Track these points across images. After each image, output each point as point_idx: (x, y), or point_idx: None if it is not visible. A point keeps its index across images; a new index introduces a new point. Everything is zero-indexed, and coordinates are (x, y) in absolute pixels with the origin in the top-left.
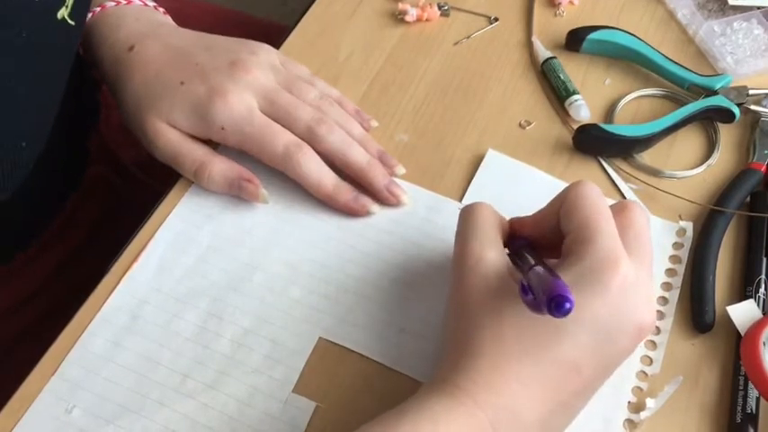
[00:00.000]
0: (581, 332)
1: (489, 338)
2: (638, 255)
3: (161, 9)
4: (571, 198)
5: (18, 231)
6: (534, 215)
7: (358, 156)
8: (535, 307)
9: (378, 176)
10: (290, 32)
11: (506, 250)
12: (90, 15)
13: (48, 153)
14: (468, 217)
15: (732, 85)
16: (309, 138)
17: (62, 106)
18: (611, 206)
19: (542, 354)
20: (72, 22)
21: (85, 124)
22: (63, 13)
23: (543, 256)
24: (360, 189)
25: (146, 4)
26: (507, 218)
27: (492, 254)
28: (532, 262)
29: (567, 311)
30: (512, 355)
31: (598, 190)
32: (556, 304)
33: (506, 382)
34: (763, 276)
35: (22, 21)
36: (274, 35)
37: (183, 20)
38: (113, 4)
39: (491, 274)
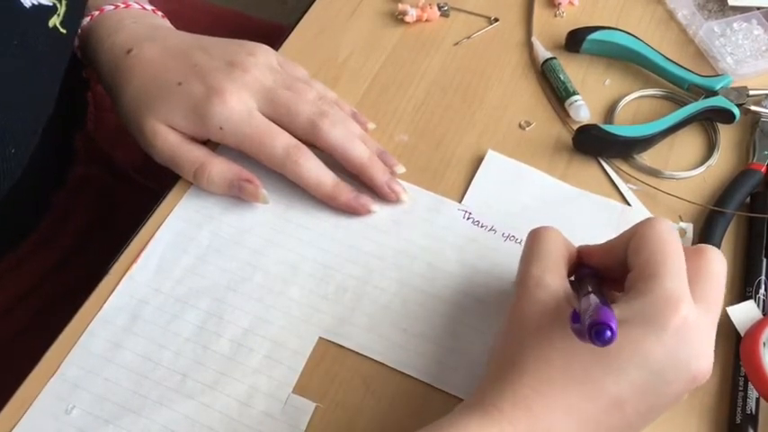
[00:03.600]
0: (632, 368)
1: (535, 361)
2: (704, 301)
3: (159, 12)
4: (641, 233)
5: (4, 231)
6: (602, 245)
7: (360, 150)
8: (579, 334)
9: (379, 172)
10: (289, 33)
11: (570, 278)
12: (88, 19)
13: (33, 154)
14: (534, 240)
15: (732, 85)
16: (311, 131)
17: (52, 110)
18: (688, 248)
19: (588, 385)
20: (63, 31)
21: (72, 123)
22: (55, 21)
23: (610, 288)
24: (359, 188)
25: (144, 8)
26: (576, 245)
27: (552, 279)
28: (589, 289)
29: (608, 340)
30: (556, 381)
31: (671, 227)
32: (596, 332)
33: (547, 408)
34: (763, 277)
35: (12, 29)
36: (273, 35)
37: (181, 20)
38: (112, 7)
39: (548, 298)
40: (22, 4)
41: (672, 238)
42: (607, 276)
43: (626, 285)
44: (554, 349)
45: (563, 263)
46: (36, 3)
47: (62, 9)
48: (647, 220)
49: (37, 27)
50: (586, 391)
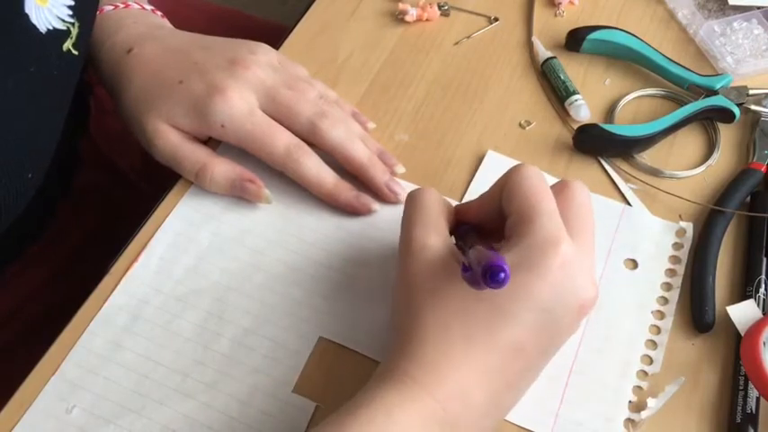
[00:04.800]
0: (525, 312)
1: (435, 324)
2: (578, 232)
3: (159, 12)
4: (512, 180)
5: (11, 240)
6: (477, 200)
7: (360, 151)
8: (473, 282)
9: (378, 173)
10: (289, 32)
11: (453, 237)
12: None
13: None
14: (413, 203)
15: (732, 84)
16: (312, 131)
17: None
18: (553, 186)
19: (488, 336)
20: (76, 53)
21: (77, 129)
22: (68, 45)
23: (489, 240)
24: (359, 188)
25: (143, 8)
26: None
27: (436, 239)
28: (472, 244)
29: (503, 281)
30: (458, 339)
31: (539, 171)
32: (491, 274)
33: (455, 367)
34: (762, 276)
35: (29, 56)
36: (274, 35)
37: (181, 20)
38: (111, 7)
39: (435, 259)
40: (38, 30)
41: (541, 181)
42: (486, 229)
43: (506, 233)
44: (450, 308)
45: (444, 222)
46: (51, 28)
47: (75, 32)
48: (515, 168)
49: (52, 52)
50: (487, 344)
